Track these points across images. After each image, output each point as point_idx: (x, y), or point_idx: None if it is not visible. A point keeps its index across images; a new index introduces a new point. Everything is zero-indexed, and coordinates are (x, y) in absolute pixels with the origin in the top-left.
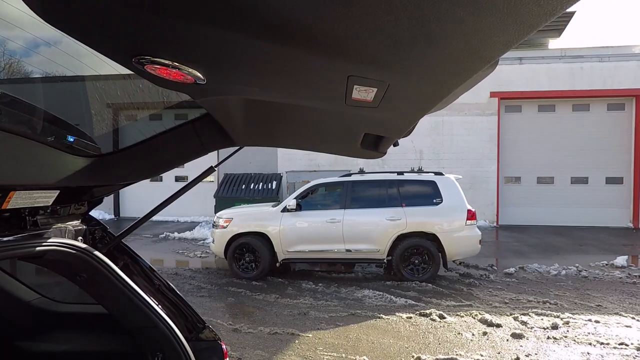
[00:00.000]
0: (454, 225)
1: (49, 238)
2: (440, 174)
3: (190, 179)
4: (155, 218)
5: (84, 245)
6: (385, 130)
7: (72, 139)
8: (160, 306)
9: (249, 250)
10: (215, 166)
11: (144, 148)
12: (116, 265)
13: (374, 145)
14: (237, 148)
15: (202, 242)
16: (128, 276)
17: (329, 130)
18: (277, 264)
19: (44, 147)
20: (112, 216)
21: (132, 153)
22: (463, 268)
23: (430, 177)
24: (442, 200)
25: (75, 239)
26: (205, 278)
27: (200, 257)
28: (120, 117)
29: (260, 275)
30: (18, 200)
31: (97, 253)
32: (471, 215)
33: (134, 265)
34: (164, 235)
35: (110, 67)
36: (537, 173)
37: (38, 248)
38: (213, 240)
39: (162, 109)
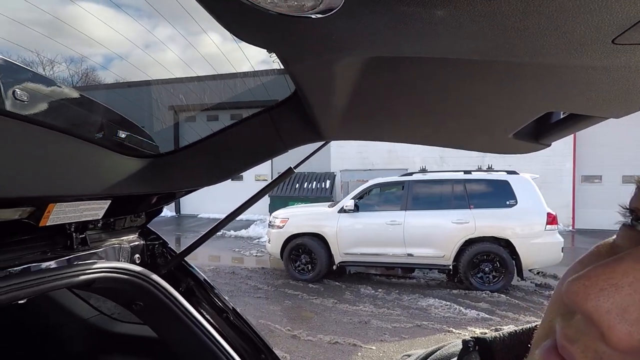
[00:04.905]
0: (530, 230)
1: (95, 263)
2: (514, 172)
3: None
4: (212, 216)
5: (139, 269)
6: (614, 101)
7: (124, 135)
8: (230, 344)
9: (305, 251)
10: (295, 167)
11: (210, 145)
12: (177, 289)
13: (533, 135)
14: (320, 144)
15: (257, 240)
16: (191, 304)
17: (487, 109)
18: (334, 267)
19: (89, 146)
20: (173, 213)
21: (196, 151)
22: (540, 278)
23: (502, 176)
24: (516, 202)
25: (132, 257)
26: (262, 278)
27: (256, 256)
28: (182, 112)
29: (317, 277)
30: (60, 214)
31: (155, 277)
32: (552, 220)
33: (198, 289)
34: (220, 233)
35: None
36: (622, 171)
37: (82, 277)
38: (269, 240)
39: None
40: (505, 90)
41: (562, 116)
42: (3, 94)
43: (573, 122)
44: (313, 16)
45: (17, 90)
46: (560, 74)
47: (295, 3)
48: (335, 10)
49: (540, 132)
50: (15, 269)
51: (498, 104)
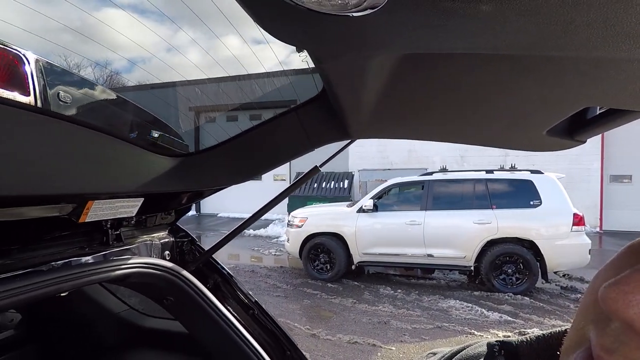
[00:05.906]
0: (556, 231)
1: (130, 258)
2: (539, 172)
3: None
4: (232, 215)
5: (170, 265)
6: None
7: (156, 134)
8: (256, 340)
9: (323, 250)
10: (320, 166)
11: (239, 144)
12: (205, 285)
13: (568, 131)
14: (346, 143)
15: (275, 239)
16: (219, 299)
17: (523, 105)
18: (353, 267)
19: (125, 145)
20: (194, 212)
21: (225, 150)
22: (565, 280)
23: (526, 175)
24: (540, 202)
25: (162, 253)
26: (281, 277)
27: (275, 255)
28: (212, 112)
29: (335, 277)
30: (97, 211)
31: (185, 273)
32: (578, 220)
33: (225, 286)
34: None
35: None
36: None
37: (119, 272)
38: (288, 240)
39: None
40: (544, 85)
41: (599, 111)
42: (49, 96)
43: (612, 117)
44: (351, 14)
45: (60, 92)
46: (603, 68)
47: (340, 1)
48: (378, 8)
49: (575, 129)
50: (58, 262)
51: (535, 100)
